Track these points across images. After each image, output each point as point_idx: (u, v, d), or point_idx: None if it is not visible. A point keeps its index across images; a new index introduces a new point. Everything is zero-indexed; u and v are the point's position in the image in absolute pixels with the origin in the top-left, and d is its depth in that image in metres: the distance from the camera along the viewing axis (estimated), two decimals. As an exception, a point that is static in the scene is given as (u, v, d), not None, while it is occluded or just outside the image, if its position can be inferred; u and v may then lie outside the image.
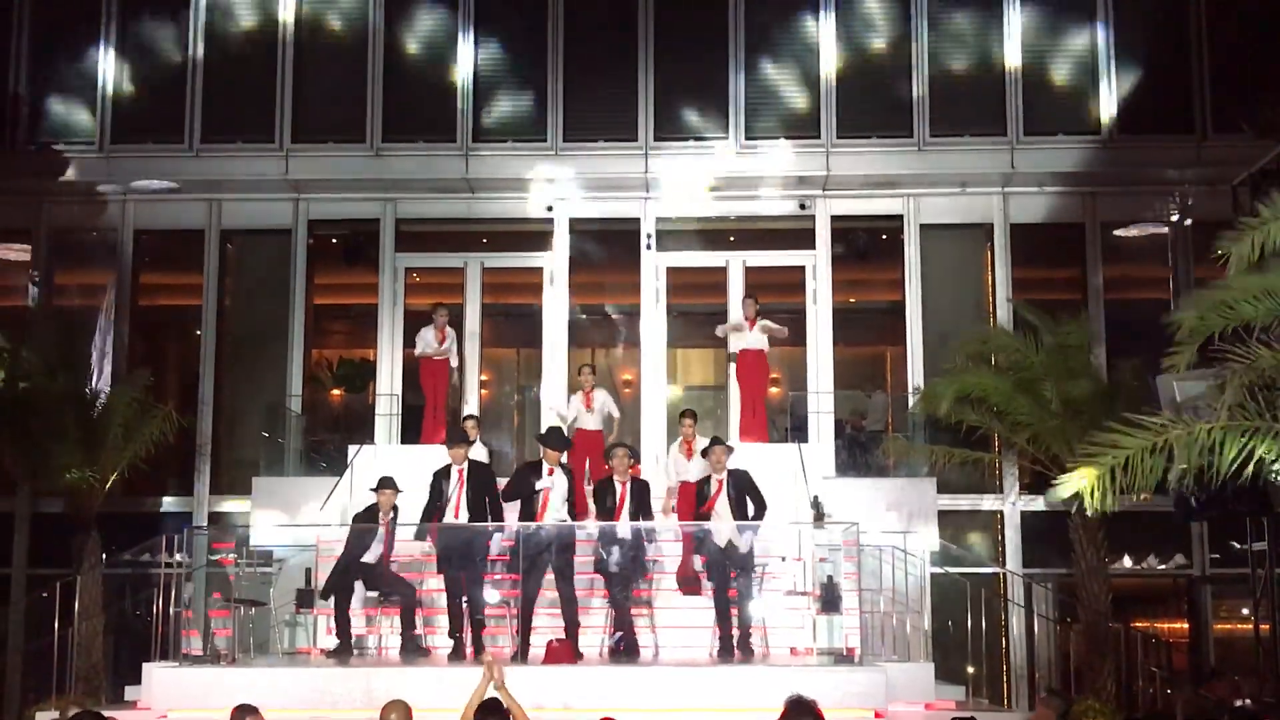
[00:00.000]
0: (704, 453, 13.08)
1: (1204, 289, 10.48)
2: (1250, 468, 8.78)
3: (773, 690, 10.34)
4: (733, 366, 17.14)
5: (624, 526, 12.50)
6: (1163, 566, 17.47)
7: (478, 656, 11.19)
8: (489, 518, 12.53)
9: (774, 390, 19.04)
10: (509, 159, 18.24)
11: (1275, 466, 8.79)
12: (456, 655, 11.94)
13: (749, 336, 16.56)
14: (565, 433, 14.12)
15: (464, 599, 12.26)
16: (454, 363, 16.90)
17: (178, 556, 13.38)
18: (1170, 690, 14.47)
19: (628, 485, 12.85)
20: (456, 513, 12.52)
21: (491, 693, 7.88)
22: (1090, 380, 14.89)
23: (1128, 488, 9.14)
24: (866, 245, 18.35)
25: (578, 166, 18.15)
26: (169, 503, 17.79)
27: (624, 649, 12.06)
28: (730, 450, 12.92)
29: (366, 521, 12.85)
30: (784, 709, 5.76)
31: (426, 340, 16.55)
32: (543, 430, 13.70)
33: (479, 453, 14.35)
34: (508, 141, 18.37)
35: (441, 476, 12.73)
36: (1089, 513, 14.01)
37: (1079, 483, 9.33)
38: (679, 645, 12.52)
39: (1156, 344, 14.96)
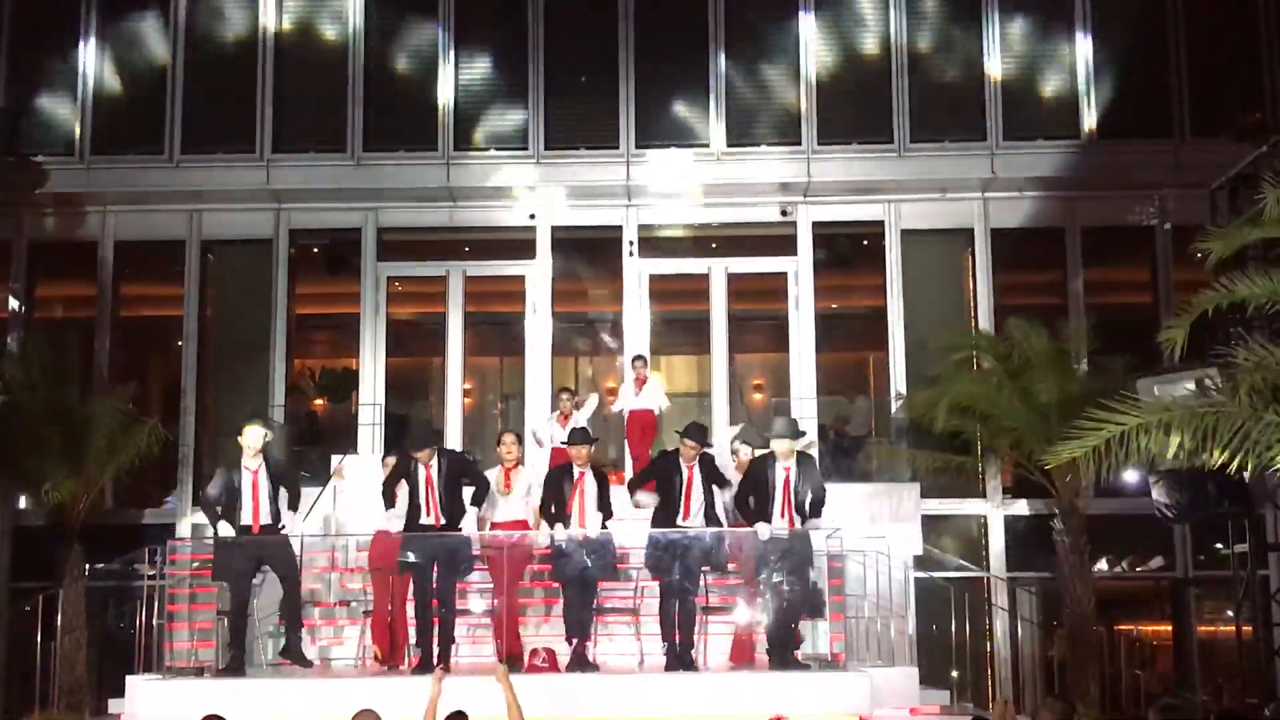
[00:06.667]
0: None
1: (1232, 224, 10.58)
2: (1237, 461, 8.80)
3: (758, 696, 10.42)
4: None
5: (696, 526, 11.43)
6: (1140, 570, 17.52)
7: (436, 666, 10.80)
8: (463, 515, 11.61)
9: (757, 397, 19.07)
10: (490, 167, 18.24)
11: (1269, 453, 8.78)
12: (426, 668, 10.97)
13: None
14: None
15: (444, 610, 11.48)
16: (658, 411, 15.80)
17: (161, 568, 13.31)
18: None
19: (694, 468, 11.55)
20: (428, 510, 11.44)
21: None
22: (1076, 383, 14.98)
23: (1119, 463, 9.17)
24: (848, 251, 18.41)
25: (559, 174, 18.15)
26: (152, 514, 17.67)
27: (681, 661, 11.20)
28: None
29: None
30: None
31: (624, 394, 15.88)
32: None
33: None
34: (489, 150, 18.36)
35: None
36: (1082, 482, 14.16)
37: (1075, 452, 9.33)
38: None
39: (1138, 347, 15.19)
